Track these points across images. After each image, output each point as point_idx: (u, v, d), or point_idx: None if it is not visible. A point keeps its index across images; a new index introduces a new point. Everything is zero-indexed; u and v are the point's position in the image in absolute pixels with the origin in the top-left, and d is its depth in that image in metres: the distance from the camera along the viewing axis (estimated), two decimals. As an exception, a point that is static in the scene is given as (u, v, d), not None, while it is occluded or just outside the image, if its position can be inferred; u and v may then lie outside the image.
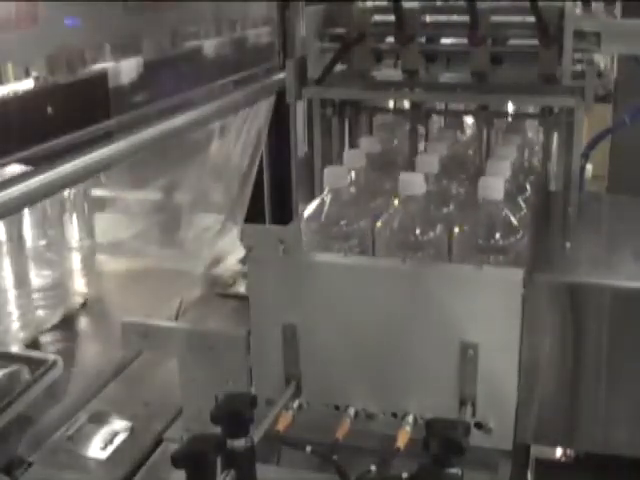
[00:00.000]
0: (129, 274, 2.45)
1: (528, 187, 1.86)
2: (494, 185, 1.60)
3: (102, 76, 1.86)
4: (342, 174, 1.70)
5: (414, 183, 1.62)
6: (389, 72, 2.06)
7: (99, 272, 2.43)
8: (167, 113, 2.07)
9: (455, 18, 2.04)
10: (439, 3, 2.18)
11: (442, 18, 2.09)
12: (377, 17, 2.03)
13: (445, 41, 2.06)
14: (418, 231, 1.62)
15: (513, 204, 1.67)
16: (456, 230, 1.62)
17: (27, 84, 1.68)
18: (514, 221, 1.61)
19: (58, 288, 2.26)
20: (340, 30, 2.00)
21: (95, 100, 1.88)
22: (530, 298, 1.52)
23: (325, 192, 1.69)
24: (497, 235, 1.60)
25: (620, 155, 2.58)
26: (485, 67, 1.91)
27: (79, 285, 2.39)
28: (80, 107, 1.82)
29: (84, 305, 2.35)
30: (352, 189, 1.74)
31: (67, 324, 2.27)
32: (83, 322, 2.32)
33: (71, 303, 2.33)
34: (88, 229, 2.39)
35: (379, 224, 1.65)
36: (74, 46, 1.74)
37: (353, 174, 1.78)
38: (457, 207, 1.75)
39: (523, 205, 1.73)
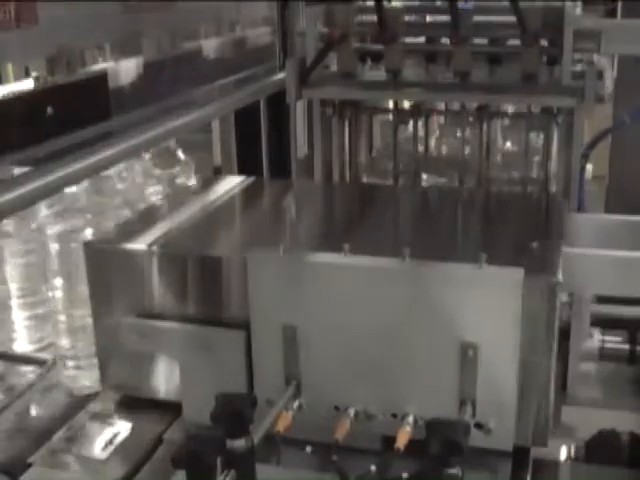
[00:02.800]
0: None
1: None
2: None
3: (102, 76, 1.86)
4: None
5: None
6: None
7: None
8: (166, 114, 2.07)
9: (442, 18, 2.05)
10: (424, 3, 2.18)
11: (435, 18, 2.10)
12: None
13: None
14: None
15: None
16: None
17: (27, 84, 1.68)
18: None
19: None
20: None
21: (95, 100, 1.88)
22: (529, 298, 1.51)
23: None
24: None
25: (620, 155, 2.58)
26: (467, 66, 1.91)
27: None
28: (80, 107, 1.81)
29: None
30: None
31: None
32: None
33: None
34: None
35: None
36: (74, 46, 1.74)
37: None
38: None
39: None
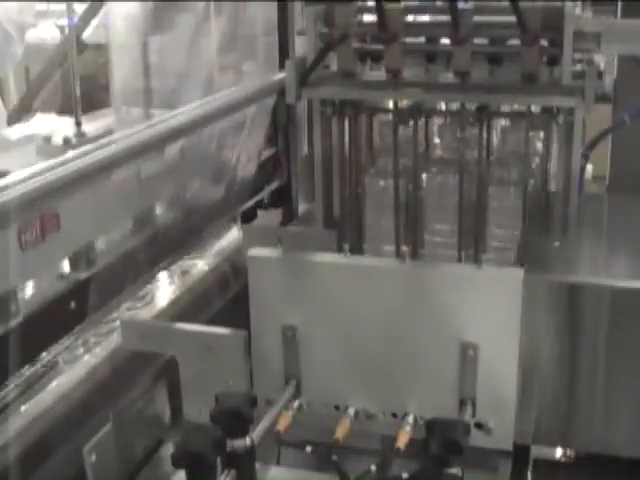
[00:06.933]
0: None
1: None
2: None
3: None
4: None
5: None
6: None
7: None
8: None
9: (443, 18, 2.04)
10: (424, 3, 2.18)
11: (432, 18, 2.10)
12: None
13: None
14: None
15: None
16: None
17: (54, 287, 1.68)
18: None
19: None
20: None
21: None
22: (529, 298, 1.52)
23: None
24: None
25: (620, 155, 2.58)
26: (467, 66, 1.91)
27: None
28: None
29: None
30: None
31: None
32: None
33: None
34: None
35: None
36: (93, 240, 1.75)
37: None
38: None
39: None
